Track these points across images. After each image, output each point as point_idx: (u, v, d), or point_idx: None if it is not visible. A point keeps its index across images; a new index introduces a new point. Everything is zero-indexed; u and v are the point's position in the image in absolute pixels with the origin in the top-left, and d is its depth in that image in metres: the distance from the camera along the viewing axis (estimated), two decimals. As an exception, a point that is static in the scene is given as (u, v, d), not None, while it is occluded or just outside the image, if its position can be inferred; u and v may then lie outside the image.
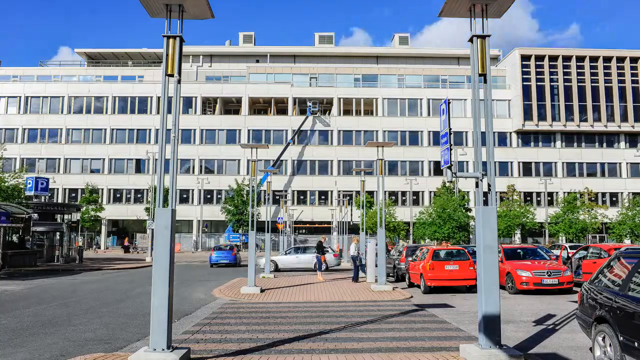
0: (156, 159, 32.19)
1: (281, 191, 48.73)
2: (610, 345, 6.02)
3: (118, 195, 58.80)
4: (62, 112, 59.83)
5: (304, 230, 57.74)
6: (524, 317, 11.15)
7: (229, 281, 19.14)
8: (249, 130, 58.95)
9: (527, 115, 57.87)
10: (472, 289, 15.97)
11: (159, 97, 57.52)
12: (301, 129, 58.81)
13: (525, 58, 58.38)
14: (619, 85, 58.18)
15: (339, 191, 54.06)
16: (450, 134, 7.61)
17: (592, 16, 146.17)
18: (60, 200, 54.15)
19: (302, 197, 58.61)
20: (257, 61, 67.21)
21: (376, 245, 17.47)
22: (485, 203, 7.16)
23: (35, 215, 28.13)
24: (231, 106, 63.13)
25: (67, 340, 8.66)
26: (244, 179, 54.26)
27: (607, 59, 58.46)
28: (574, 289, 15.44)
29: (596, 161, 59.50)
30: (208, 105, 62.09)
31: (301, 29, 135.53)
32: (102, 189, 58.03)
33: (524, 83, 58.07)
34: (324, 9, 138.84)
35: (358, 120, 60.01)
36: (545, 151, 59.34)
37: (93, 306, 13.13)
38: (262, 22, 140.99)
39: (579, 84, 57.92)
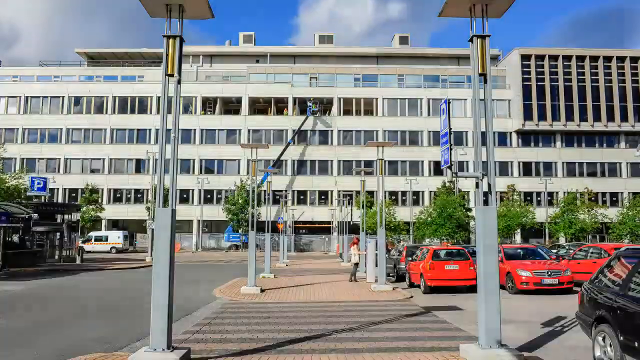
0: (156, 159, 32.11)
1: (281, 191, 48.69)
2: (610, 345, 6.02)
3: (118, 195, 58.79)
4: (62, 112, 59.81)
5: (304, 230, 57.72)
6: (524, 317, 11.16)
7: (229, 281, 19.13)
8: (249, 130, 58.93)
9: (527, 115, 57.85)
10: (472, 289, 15.93)
11: (159, 97, 57.46)
12: (301, 129, 58.79)
13: (525, 58, 58.35)
14: (619, 85, 58.14)
15: (339, 191, 54.00)
16: (450, 133, 7.61)
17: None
18: (60, 200, 54.09)
19: (302, 197, 58.58)
20: (257, 61, 67.14)
21: (376, 244, 17.47)
22: (486, 203, 7.15)
23: (35, 215, 28.12)
24: (231, 106, 63.09)
25: (67, 340, 8.67)
26: (245, 179, 54.26)
27: (607, 59, 58.44)
28: (574, 288, 15.44)
29: (596, 161, 59.47)
30: (208, 105, 62.06)
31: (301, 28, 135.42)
32: (102, 189, 58.01)
33: (524, 83, 58.05)
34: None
35: (358, 120, 59.99)
36: (545, 151, 59.32)
37: (93, 306, 13.14)
38: (262, 22, 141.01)
39: (579, 84, 57.89)
